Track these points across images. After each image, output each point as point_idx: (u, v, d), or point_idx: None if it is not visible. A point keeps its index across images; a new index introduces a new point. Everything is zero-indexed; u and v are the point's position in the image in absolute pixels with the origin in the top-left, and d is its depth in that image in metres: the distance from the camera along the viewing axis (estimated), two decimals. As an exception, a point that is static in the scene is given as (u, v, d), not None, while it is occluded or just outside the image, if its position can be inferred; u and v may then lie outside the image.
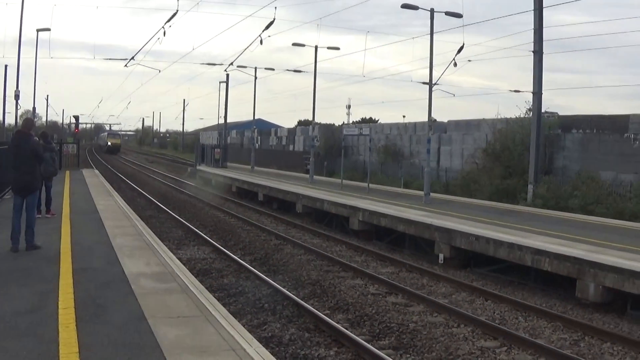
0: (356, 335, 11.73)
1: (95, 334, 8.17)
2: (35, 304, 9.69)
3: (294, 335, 11.90)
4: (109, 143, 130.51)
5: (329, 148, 55.21)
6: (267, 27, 33.44)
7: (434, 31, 29.91)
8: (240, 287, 15.47)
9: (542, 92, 30.90)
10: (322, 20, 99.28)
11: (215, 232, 24.66)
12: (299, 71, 50.32)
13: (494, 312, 14.24)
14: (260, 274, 16.53)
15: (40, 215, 18.25)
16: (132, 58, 38.35)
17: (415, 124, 48.74)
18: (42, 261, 12.88)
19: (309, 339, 11.76)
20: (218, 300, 11.66)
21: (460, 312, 13.63)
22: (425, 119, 31.37)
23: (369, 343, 11.30)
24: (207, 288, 12.37)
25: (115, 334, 8.21)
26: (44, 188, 19.51)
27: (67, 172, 40.91)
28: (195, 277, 13.27)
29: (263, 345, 8.72)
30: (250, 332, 9.45)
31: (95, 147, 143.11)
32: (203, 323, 9.02)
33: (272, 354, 8.31)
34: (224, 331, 8.66)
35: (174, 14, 31.22)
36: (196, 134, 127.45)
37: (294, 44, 44.46)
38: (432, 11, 29.43)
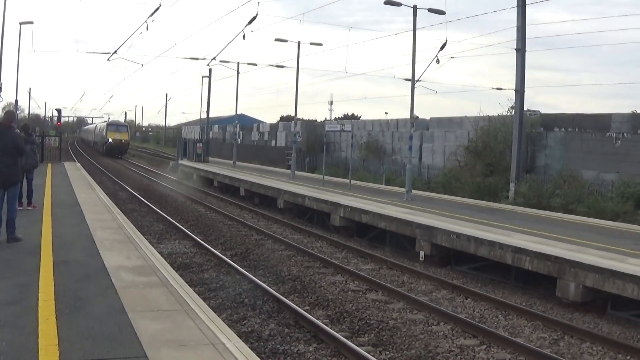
0: (336, 332, 11.75)
1: (74, 327, 8.16)
2: (16, 296, 9.66)
3: (273, 330, 11.91)
4: (110, 139, 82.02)
5: (311, 144, 55.34)
6: (250, 22, 33.44)
7: (417, 27, 29.98)
8: (220, 281, 15.47)
9: (525, 90, 31.08)
10: (304, 16, 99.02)
11: (196, 227, 24.65)
12: (282, 66, 50.24)
13: (474, 311, 14.30)
14: (241, 269, 16.53)
15: (21, 208, 18.24)
16: (115, 52, 38.20)
17: (397, 121, 48.87)
18: (23, 253, 12.84)
19: (288, 334, 11.77)
20: (198, 294, 11.69)
21: (440, 310, 13.68)
22: (408, 115, 31.40)
23: (348, 339, 11.32)
24: (187, 282, 12.38)
25: (95, 326, 8.20)
26: (25, 180, 19.50)
27: (49, 165, 40.73)
28: (176, 271, 13.27)
29: (243, 340, 8.73)
30: (230, 327, 9.47)
31: (77, 141, 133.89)
32: (183, 317, 9.02)
33: (251, 349, 8.33)
34: (204, 326, 8.66)
35: (157, 9, 31.15)
36: (178, 128, 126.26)
37: (276, 40, 44.29)
38: (415, 8, 29.49)
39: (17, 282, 10.47)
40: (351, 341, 11.30)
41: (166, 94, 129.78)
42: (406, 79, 32.69)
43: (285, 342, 11.30)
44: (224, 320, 10.18)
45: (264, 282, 15.40)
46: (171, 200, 33.93)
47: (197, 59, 50.99)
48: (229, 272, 16.45)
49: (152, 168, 60.54)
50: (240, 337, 9.05)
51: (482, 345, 11.71)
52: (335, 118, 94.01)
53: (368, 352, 10.73)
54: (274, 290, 14.68)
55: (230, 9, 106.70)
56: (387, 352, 11.24)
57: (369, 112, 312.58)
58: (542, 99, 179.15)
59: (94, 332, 7.98)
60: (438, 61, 29.73)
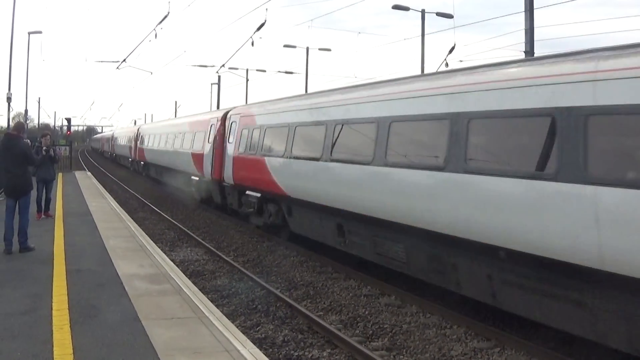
0: (349, 337, 11.75)
1: (89, 335, 8.20)
2: (29, 305, 9.72)
3: (287, 336, 11.89)
4: None
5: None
6: (259, 28, 33.43)
7: (425, 32, 30.03)
8: (233, 288, 15.46)
9: (534, 92, 30.96)
10: (313, 22, 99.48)
11: (207, 234, 24.62)
12: (291, 73, 50.42)
13: (487, 313, 14.24)
14: (253, 276, 16.52)
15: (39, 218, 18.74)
16: (124, 60, 38.27)
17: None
18: (36, 263, 12.92)
19: (302, 340, 11.76)
20: (211, 301, 11.69)
21: (453, 313, 13.63)
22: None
23: (361, 344, 11.32)
24: (200, 289, 12.40)
25: (109, 335, 8.24)
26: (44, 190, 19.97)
27: (60, 174, 40.86)
28: (189, 278, 13.31)
29: (257, 346, 8.74)
30: (243, 334, 9.49)
31: (88, 150, 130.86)
32: (197, 324, 9.05)
33: (265, 355, 8.34)
34: (218, 332, 8.69)
35: (166, 16, 31.19)
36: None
37: (285, 46, 44.45)
38: (423, 12, 29.56)
39: (31, 292, 10.53)
40: (365, 346, 11.30)
41: (175, 102, 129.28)
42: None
43: (299, 348, 11.29)
44: (237, 327, 10.20)
45: (277, 288, 15.41)
46: (182, 207, 33.91)
47: (206, 66, 51.31)
48: (242, 279, 16.44)
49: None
50: (254, 343, 9.06)
51: (496, 348, 11.67)
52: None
53: (382, 357, 10.74)
54: (286, 296, 14.69)
55: (239, 15, 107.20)
56: (402, 357, 11.23)
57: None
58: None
59: (109, 340, 8.01)
60: (447, 65, 29.72)
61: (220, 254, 19.73)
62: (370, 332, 12.56)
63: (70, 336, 8.20)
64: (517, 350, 11.51)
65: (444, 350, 11.53)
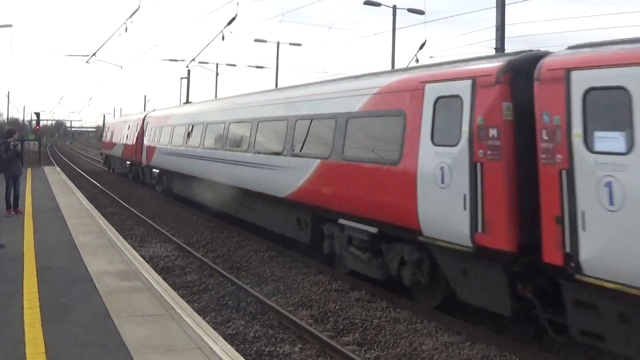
0: (320, 332, 11.81)
1: (61, 334, 8.20)
2: (0, 303, 9.67)
3: (258, 332, 11.94)
4: None
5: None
6: (229, 22, 33.33)
7: (397, 27, 30.10)
8: (203, 284, 15.47)
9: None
10: (284, 16, 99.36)
11: (177, 229, 24.54)
12: (261, 67, 50.35)
13: (457, 307, 14.34)
14: (223, 271, 16.54)
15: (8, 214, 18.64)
16: (94, 54, 38.04)
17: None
18: (6, 261, 12.85)
19: (273, 335, 11.81)
20: (182, 297, 11.71)
21: (424, 308, 13.73)
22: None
23: (332, 339, 11.38)
24: (170, 285, 12.41)
25: (81, 333, 8.25)
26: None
27: (29, 170, 40.56)
28: (159, 274, 13.31)
29: (228, 342, 8.78)
30: (215, 330, 9.54)
31: (56, 146, 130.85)
32: (168, 321, 9.08)
33: (237, 351, 8.38)
34: (190, 329, 8.72)
35: (136, 10, 31.12)
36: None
37: (255, 40, 44.35)
38: (394, 8, 29.62)
39: (1, 290, 10.51)
40: (336, 340, 11.36)
41: (144, 96, 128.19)
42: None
43: (270, 343, 11.34)
44: (208, 323, 10.23)
45: (247, 284, 15.43)
46: (152, 203, 33.79)
47: (176, 60, 51.19)
48: (212, 275, 16.45)
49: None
50: (226, 339, 9.09)
51: (467, 342, 11.77)
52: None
53: (353, 352, 10.79)
54: (257, 291, 14.72)
55: (210, 10, 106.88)
56: (373, 351, 11.30)
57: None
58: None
59: (81, 339, 8.02)
60: (417, 61, 29.85)
61: (190, 249, 19.71)
62: (341, 327, 12.62)
63: (42, 335, 8.19)
64: (487, 344, 11.62)
65: (414, 344, 11.62)
